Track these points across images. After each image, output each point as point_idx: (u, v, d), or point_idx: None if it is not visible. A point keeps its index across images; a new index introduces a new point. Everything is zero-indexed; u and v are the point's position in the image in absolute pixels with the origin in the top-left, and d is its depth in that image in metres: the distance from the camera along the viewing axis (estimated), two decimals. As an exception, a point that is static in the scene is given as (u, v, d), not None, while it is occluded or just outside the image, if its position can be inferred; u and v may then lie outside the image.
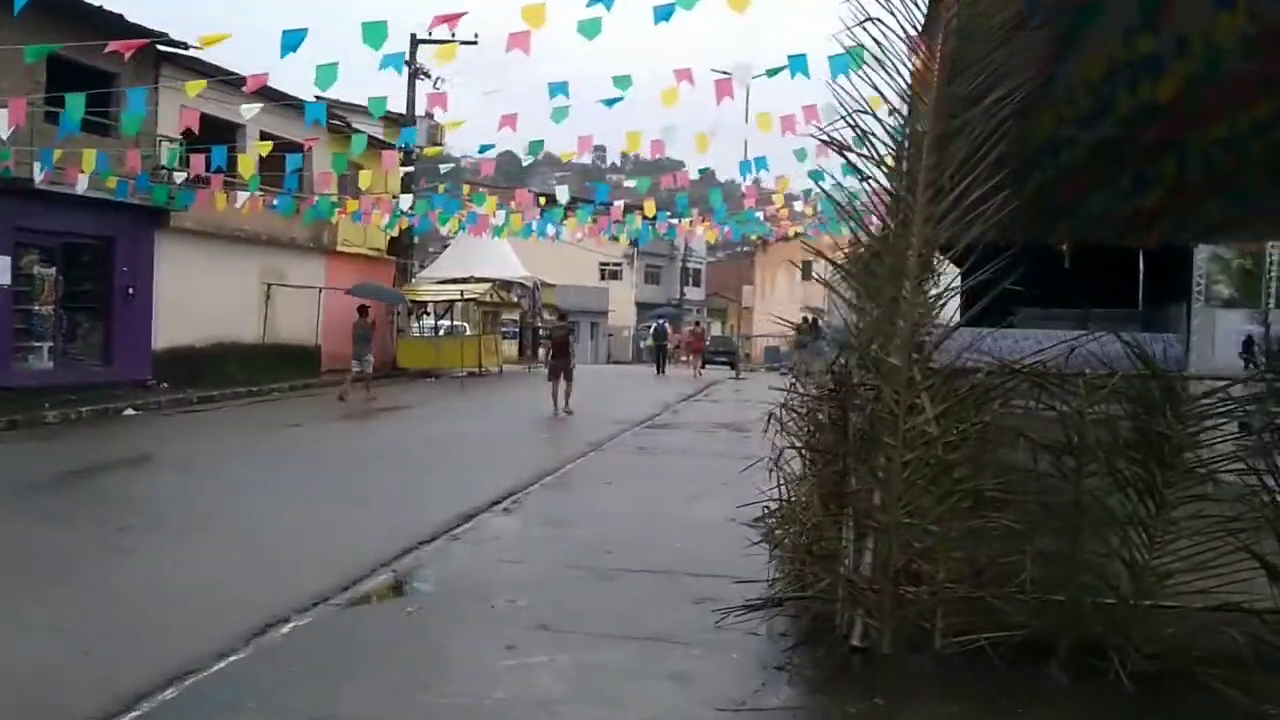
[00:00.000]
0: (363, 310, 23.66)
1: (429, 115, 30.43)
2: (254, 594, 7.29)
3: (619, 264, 63.46)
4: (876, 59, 6.19)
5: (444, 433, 16.96)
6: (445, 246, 45.35)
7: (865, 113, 6.18)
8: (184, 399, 20.07)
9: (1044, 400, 5.70)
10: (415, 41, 30.00)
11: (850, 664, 5.59)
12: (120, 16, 17.87)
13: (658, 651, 5.84)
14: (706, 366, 37.80)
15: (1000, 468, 5.69)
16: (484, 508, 10.36)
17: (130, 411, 18.13)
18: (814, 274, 45.34)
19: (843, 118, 5.95)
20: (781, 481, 8.50)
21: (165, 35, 19.04)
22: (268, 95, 16.03)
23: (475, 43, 26.34)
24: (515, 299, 33.36)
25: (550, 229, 20.02)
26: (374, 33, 8.63)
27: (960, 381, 5.71)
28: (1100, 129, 7.38)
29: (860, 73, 6.01)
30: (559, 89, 10.23)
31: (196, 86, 9.35)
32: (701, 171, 17.62)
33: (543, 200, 22.54)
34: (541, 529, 9.38)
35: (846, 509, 5.83)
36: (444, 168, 25.13)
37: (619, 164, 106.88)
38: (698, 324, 48.04)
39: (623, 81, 10.53)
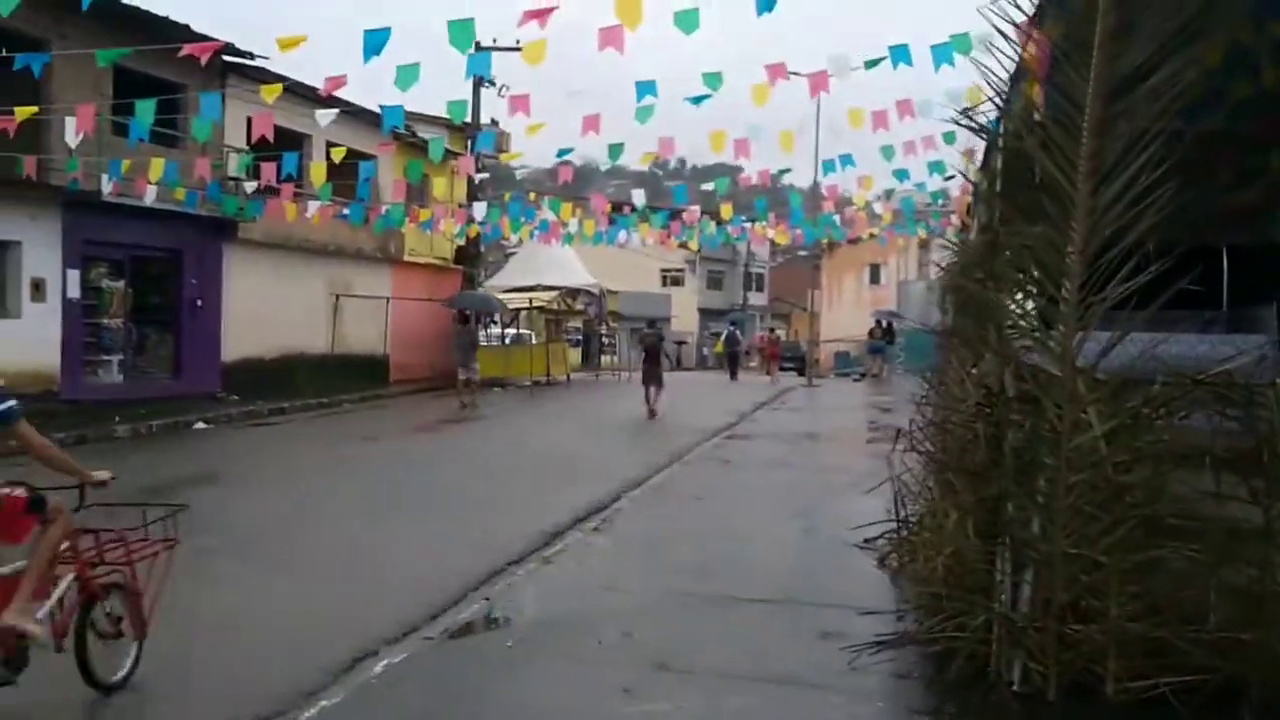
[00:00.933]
0: (464, 319, 24.33)
1: (494, 123, 30.21)
2: (339, 623, 6.85)
3: (680, 270, 62.89)
4: (1006, 37, 5.64)
5: (521, 444, 16.52)
6: (508, 256, 45.16)
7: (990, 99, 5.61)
8: (254, 411, 19.85)
9: (1229, 413, 5.03)
10: (477, 48, 29.75)
11: (1009, 712, 4.98)
12: (186, 26, 17.70)
13: (794, 698, 5.26)
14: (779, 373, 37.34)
15: (1179, 491, 5.04)
16: (570, 525, 9.87)
17: (201, 425, 17.92)
18: (881, 278, 44.62)
19: (990, 99, 5.35)
20: (902, 502, 7.97)
21: (232, 45, 18.94)
22: (337, 104, 15.75)
23: (519, 48, 25.94)
24: (581, 306, 32.92)
25: (623, 235, 19.54)
26: (460, 32, 8.15)
27: (1132, 394, 5.07)
28: (1208, 119, 6.66)
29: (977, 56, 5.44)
30: (646, 89, 9.70)
31: (273, 91, 8.98)
32: (782, 171, 16.99)
33: (608, 207, 22.12)
34: (636, 549, 8.84)
35: (1002, 538, 5.22)
36: (519, 174, 24.93)
37: (678, 169, 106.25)
38: (772, 330, 47.63)
39: (713, 79, 9.98)
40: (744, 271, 67.25)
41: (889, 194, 19.76)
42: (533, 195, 25.93)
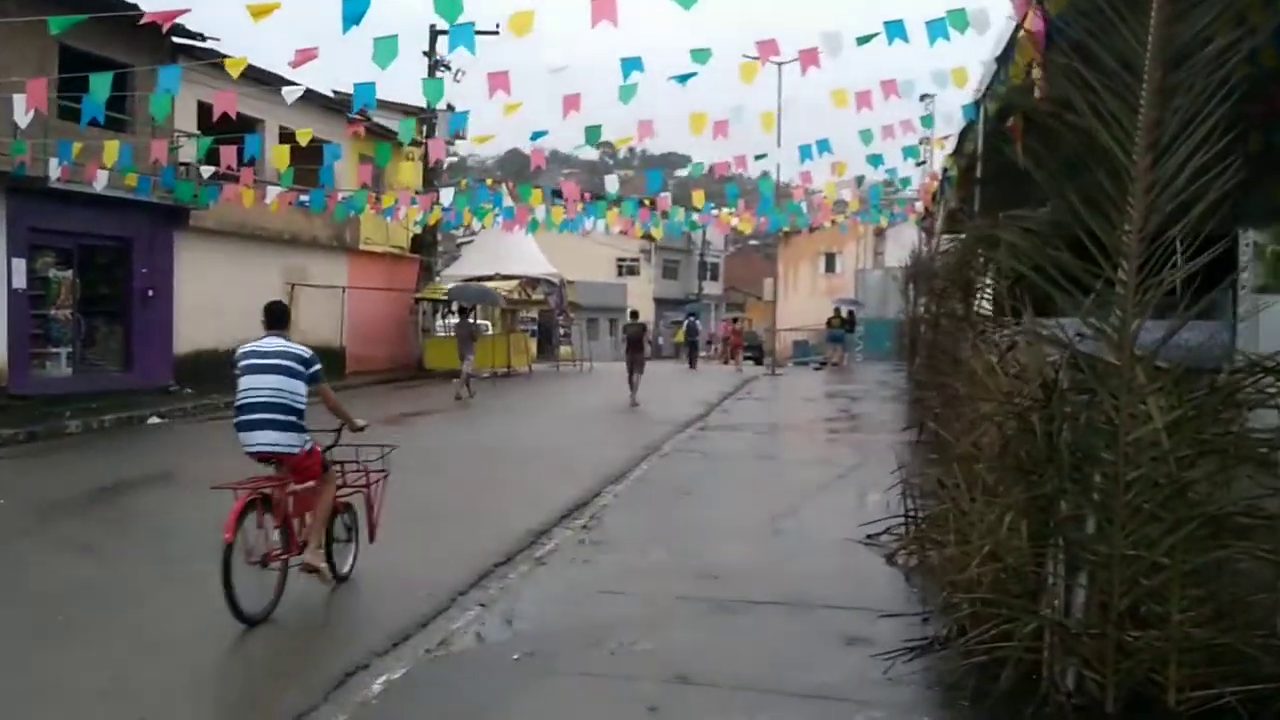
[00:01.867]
0: (463, 312, 25.34)
1: (450, 108, 29.58)
2: (327, 634, 6.43)
3: (636, 259, 62.48)
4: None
5: (490, 437, 16.01)
6: (459, 245, 44.35)
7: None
8: (209, 405, 19.12)
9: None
10: (435, 33, 29.11)
11: (1066, 725, 4.64)
12: (134, 4, 16.96)
13: (833, 714, 4.88)
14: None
15: (1245, 487, 4.72)
16: (556, 522, 9.46)
17: (155, 420, 17.23)
18: (836, 266, 44.68)
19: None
20: (911, 498, 7.63)
21: (182, 26, 18.20)
22: (289, 83, 15.09)
23: (497, 32, 25.41)
24: (541, 296, 32.31)
25: (588, 223, 19.02)
26: (449, 5, 7.62)
27: (1195, 384, 4.74)
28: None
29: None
30: (632, 65, 9.23)
31: (237, 65, 8.37)
32: (758, 157, 16.59)
33: (579, 194, 21.59)
34: (630, 549, 8.40)
35: (1054, 539, 4.87)
36: (468, 161, 24.29)
37: (627, 158, 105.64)
38: (735, 320, 47.79)
39: (701, 55, 9.56)
40: (699, 260, 66.96)
41: (859, 180, 19.47)
42: (490, 181, 25.37)
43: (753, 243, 78.21)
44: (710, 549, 8.26)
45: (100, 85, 8.34)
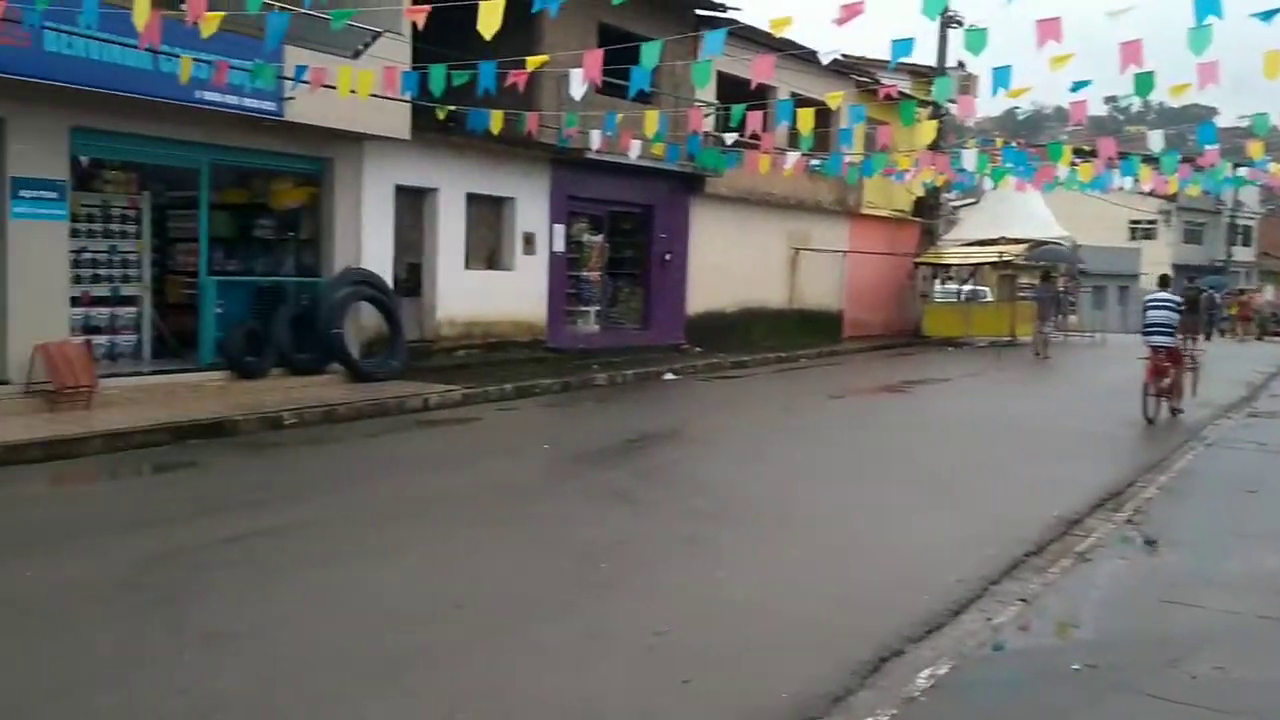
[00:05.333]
0: (1046, 275, 27.27)
1: (960, 65, 28.42)
2: (846, 611, 6.10)
3: (1153, 221, 56.85)
4: None
5: (999, 410, 15.19)
6: (955, 209, 42.70)
7: None
8: (717, 364, 19.93)
9: None
10: (947, -15, 28.13)
11: None
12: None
13: None
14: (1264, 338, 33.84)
15: None
16: (1089, 511, 8.61)
17: (670, 376, 18.18)
18: None
19: None
20: None
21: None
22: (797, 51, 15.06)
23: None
24: (1043, 262, 30.19)
25: (1117, 180, 17.30)
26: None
27: None
28: None
29: None
30: (1207, 7, 7.96)
31: (782, 24, 8.20)
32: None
33: (1115, 151, 19.63)
34: (1193, 552, 7.36)
35: None
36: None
37: (1141, 113, 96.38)
38: (1242, 291, 43.29)
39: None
40: (1229, 223, 59.65)
41: None
42: (1000, 140, 23.99)
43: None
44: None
45: (649, 55, 8.67)
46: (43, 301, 11.65)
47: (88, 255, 12.78)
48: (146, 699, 4.58)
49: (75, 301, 12.38)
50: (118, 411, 11.43)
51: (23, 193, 11.36)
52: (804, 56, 14.09)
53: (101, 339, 12.93)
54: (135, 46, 9.49)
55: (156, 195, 13.91)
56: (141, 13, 8.10)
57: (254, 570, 6.54)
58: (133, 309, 13.48)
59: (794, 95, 18.70)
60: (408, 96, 12.17)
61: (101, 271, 13.01)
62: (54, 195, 11.62)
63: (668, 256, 21.59)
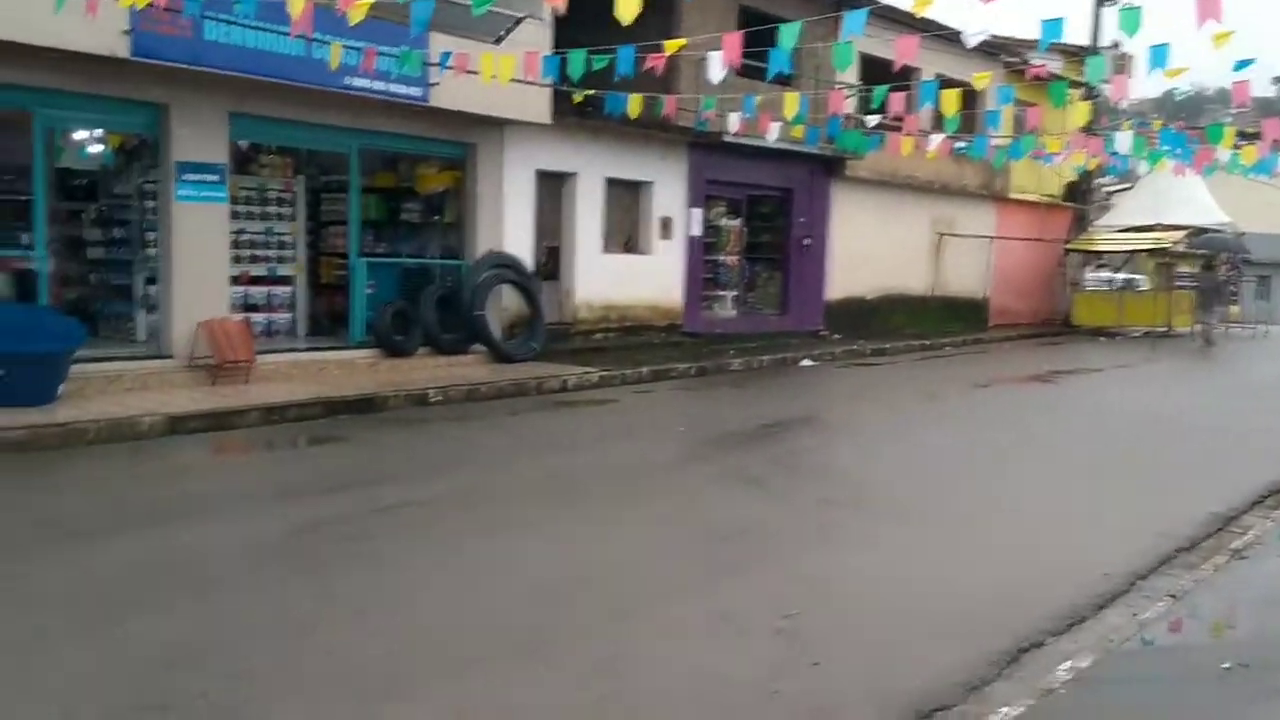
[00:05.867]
0: (1208, 264, 27.14)
1: (1115, 45, 27.30)
2: (983, 599, 5.96)
3: (1330, 206, 53.51)
4: None
5: (1154, 402, 14.62)
6: (1109, 194, 40.95)
7: None
8: (857, 351, 19.67)
9: None
10: (1101, -37, 27.03)
11: None
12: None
13: None
14: None
15: None
16: (1248, 508, 8.28)
17: (807, 362, 18.02)
18: None
19: None
20: None
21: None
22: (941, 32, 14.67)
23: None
24: (1203, 250, 28.81)
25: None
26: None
27: None
28: None
29: None
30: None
31: (925, 3, 8.05)
32: None
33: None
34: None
35: None
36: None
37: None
38: None
39: None
40: None
41: None
42: (1159, 122, 22.96)
43: None
44: None
45: (788, 36, 8.58)
46: (204, 280, 12.24)
47: (246, 236, 13.40)
48: (294, 658, 4.82)
49: (234, 281, 12.98)
50: (274, 386, 11.99)
51: (186, 176, 11.94)
52: (949, 37, 13.73)
53: (259, 317, 13.52)
54: (288, 34, 9.89)
55: (310, 179, 14.51)
56: (295, 1, 8.43)
57: (398, 541, 6.79)
58: (288, 288, 14.09)
59: (939, 76, 18.31)
60: (549, 81, 12.35)
61: (259, 252, 13.62)
62: (215, 178, 12.19)
63: (806, 241, 21.38)
